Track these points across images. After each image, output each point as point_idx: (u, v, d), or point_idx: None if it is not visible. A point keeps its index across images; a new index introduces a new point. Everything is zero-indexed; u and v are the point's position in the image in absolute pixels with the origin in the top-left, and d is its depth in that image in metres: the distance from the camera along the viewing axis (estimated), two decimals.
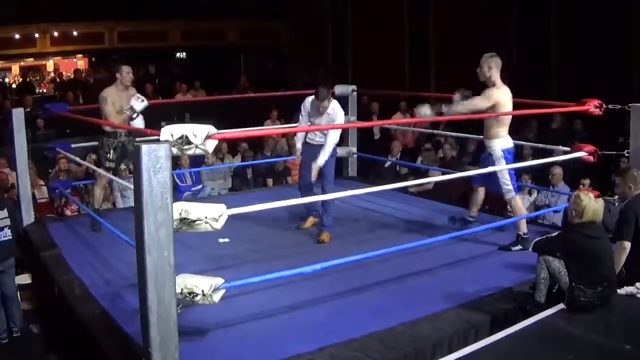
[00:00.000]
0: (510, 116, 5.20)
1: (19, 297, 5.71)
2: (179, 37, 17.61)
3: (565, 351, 3.41)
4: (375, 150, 9.05)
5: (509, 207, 5.59)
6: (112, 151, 5.80)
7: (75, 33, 16.40)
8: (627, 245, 4.17)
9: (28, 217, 6.18)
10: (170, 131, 3.14)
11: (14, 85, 15.98)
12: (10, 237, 5.38)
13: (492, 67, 5.05)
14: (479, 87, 5.14)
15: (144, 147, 2.90)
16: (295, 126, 6.34)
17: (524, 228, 5.27)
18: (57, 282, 4.82)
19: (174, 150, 3.11)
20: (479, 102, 5.04)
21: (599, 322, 3.74)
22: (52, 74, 17.40)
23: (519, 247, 5.22)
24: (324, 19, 16.60)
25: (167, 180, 2.95)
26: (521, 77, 11.37)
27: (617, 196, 5.57)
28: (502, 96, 5.05)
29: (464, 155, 9.19)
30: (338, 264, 4.12)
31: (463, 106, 5.07)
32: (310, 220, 5.90)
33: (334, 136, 5.49)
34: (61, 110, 6.57)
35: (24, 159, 6.14)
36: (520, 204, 5.46)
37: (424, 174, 8.30)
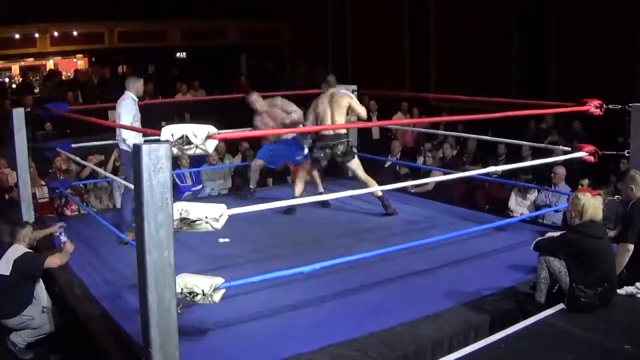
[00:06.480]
0: None
1: None
2: (179, 37, 17.58)
3: (565, 351, 3.41)
4: (375, 150, 9.04)
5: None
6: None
7: (75, 33, 16.37)
8: (631, 247, 4.18)
9: (28, 217, 6.19)
10: (171, 131, 3.13)
11: (14, 85, 15.97)
12: None
13: None
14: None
15: (144, 147, 2.89)
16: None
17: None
18: (57, 282, 4.82)
19: (174, 150, 3.11)
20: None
21: (599, 322, 3.74)
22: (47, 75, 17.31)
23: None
24: (324, 19, 16.58)
25: (167, 180, 2.94)
26: (521, 77, 11.39)
27: (617, 196, 5.57)
28: None
29: (464, 154, 9.18)
30: (338, 264, 4.12)
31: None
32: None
33: None
34: (61, 110, 6.57)
35: (24, 159, 6.14)
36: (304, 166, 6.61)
37: (424, 174, 8.30)
